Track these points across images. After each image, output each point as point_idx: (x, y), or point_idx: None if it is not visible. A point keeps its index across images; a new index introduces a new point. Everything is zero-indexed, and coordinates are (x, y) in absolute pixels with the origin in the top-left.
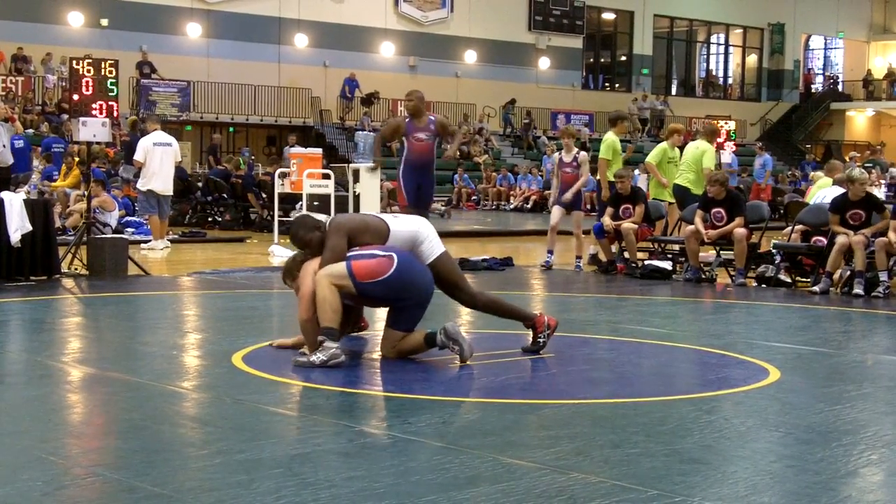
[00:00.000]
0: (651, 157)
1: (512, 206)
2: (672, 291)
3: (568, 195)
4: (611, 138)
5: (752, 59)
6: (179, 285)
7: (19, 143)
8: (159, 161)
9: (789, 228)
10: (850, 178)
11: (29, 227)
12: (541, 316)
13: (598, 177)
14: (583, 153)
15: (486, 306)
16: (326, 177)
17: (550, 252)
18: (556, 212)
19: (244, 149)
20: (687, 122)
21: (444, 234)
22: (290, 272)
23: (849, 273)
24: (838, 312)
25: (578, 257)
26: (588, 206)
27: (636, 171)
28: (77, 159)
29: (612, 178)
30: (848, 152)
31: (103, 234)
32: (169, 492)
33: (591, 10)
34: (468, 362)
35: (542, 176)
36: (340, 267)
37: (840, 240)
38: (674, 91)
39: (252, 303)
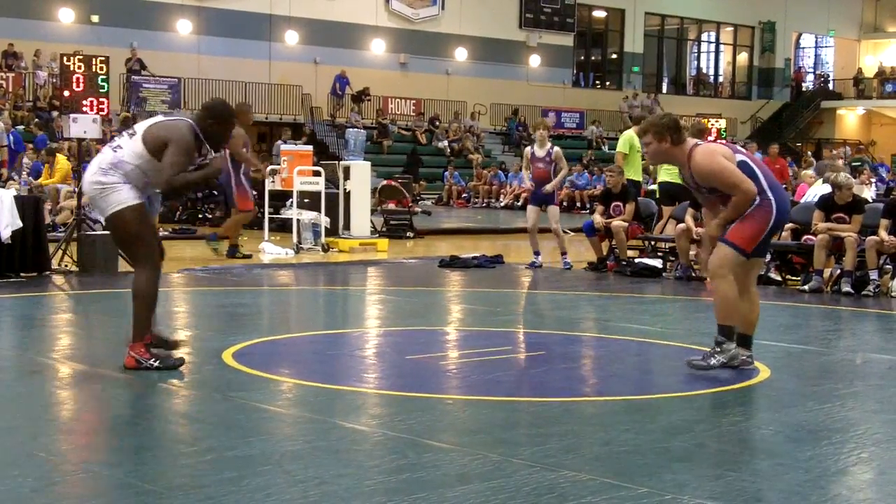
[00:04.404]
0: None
1: (502, 204)
2: (662, 289)
3: (549, 187)
4: (629, 134)
5: (742, 58)
6: (169, 282)
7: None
8: None
9: None
10: (836, 183)
11: (19, 224)
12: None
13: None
14: (556, 148)
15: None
16: (317, 174)
17: (537, 253)
18: (532, 213)
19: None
20: None
21: (435, 232)
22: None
23: (839, 272)
24: (828, 311)
25: (564, 253)
26: (578, 204)
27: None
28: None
29: (631, 175)
30: (839, 150)
31: (94, 230)
32: (159, 488)
33: (581, 8)
34: (458, 360)
35: (523, 170)
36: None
37: (821, 236)
38: (664, 89)
39: (242, 300)
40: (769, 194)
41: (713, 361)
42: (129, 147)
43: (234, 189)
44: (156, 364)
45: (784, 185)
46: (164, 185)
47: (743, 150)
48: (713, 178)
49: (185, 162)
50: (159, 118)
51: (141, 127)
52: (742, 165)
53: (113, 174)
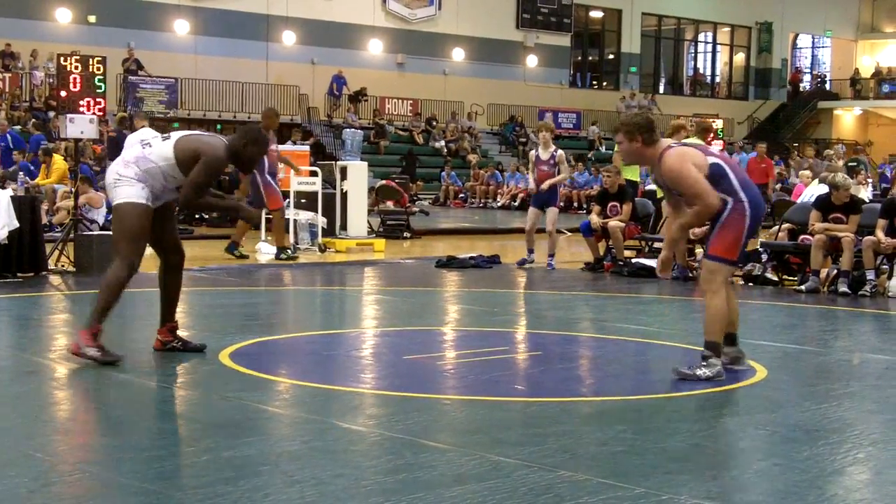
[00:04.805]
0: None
1: (499, 204)
2: (659, 290)
3: (544, 185)
4: None
5: (739, 58)
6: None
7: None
8: None
9: (776, 227)
10: (833, 184)
11: (16, 224)
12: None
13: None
14: (560, 151)
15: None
16: (314, 174)
17: (531, 251)
18: (532, 214)
19: None
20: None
21: (432, 232)
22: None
23: (835, 272)
24: (825, 311)
25: (551, 255)
26: (576, 204)
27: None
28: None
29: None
30: (835, 149)
31: (90, 230)
32: (156, 488)
33: (578, 8)
34: (455, 360)
35: (529, 174)
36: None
37: (818, 237)
38: (661, 89)
39: (239, 300)
40: (741, 195)
41: (700, 373)
42: (159, 148)
43: (263, 189)
44: (97, 355)
45: (768, 184)
46: (185, 201)
47: (715, 151)
48: (679, 184)
49: (209, 183)
50: (197, 132)
51: (177, 134)
52: (714, 167)
53: (131, 169)
